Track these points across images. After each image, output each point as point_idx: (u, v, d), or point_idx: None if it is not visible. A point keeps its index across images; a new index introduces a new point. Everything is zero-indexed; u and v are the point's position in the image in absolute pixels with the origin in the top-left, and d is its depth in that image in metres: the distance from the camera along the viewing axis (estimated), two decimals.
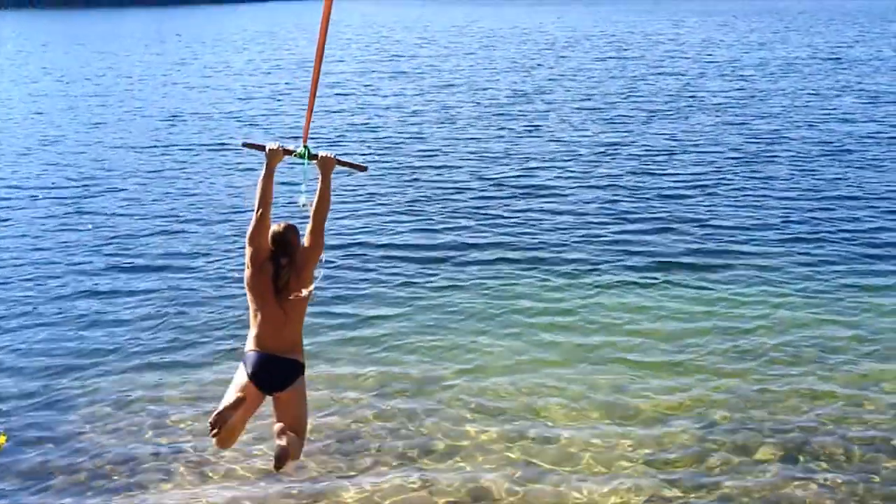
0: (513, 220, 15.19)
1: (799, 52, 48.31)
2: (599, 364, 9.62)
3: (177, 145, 22.49)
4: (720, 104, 28.33)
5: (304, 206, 5.88)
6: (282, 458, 5.28)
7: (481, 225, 14.95)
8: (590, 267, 12.74)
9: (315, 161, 5.90)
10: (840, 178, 17.76)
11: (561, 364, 9.64)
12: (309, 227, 5.86)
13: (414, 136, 23.38)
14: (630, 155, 20.47)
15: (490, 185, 17.71)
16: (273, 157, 5.85)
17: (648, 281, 12.15)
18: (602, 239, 14.06)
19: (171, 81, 37.31)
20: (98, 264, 13.19)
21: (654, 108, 27.79)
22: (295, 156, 5.90)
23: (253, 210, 5.76)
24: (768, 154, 20.25)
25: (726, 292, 11.67)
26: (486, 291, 11.82)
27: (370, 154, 20.96)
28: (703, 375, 9.31)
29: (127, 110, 28.92)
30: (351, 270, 12.84)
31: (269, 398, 5.71)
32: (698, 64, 42.18)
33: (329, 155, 5.98)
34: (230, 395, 5.55)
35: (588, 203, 16.24)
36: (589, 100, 29.88)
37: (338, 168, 6.05)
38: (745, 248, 13.53)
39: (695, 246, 13.63)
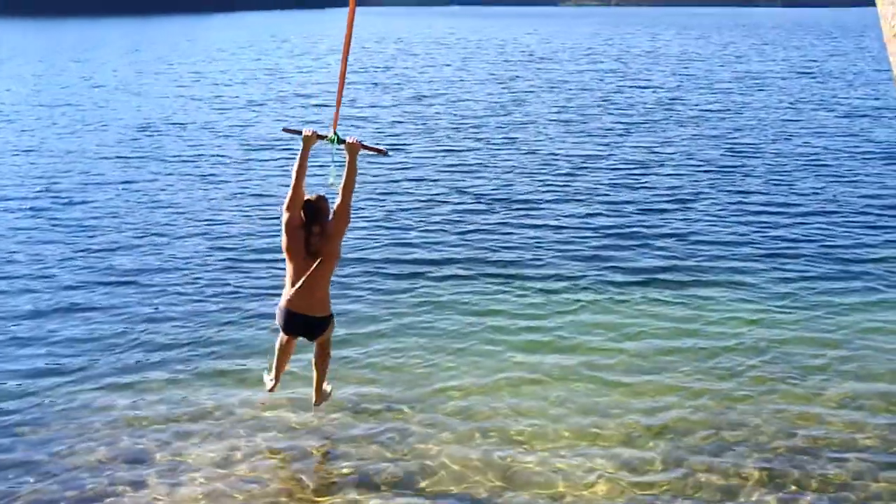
0: (490, 235, 15.01)
1: (774, 66, 48.65)
2: (577, 383, 9.42)
3: (150, 156, 22.14)
4: (697, 117, 28.39)
5: (332, 184, 6.81)
6: (321, 396, 7.55)
7: (458, 239, 14.75)
8: (567, 282, 12.57)
9: (343, 145, 6.85)
10: (817, 193, 17.74)
11: (537, 383, 9.42)
12: (338, 201, 6.77)
13: (389, 147, 23.19)
14: (607, 168, 20.39)
15: (467, 199, 17.54)
16: (308, 141, 6.86)
17: (626, 297, 11.99)
18: (579, 253, 13.90)
19: (145, 91, 36.92)
20: (70, 278, 12.85)
21: (631, 121, 27.79)
22: (326, 140, 6.91)
23: (289, 184, 6.74)
24: (745, 168, 20.24)
25: (704, 308, 11.53)
26: (462, 307, 11.61)
27: (344, 164, 20.70)
28: (681, 394, 9.13)
29: (99, 120, 28.52)
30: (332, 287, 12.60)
31: None
32: (675, 77, 42.38)
33: (355, 140, 6.86)
34: (277, 354, 7.32)
35: (565, 217, 16.10)
36: (566, 112, 29.85)
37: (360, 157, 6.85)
38: (722, 262, 13.41)
39: (672, 261, 13.51)
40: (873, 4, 4.06)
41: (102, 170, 20.42)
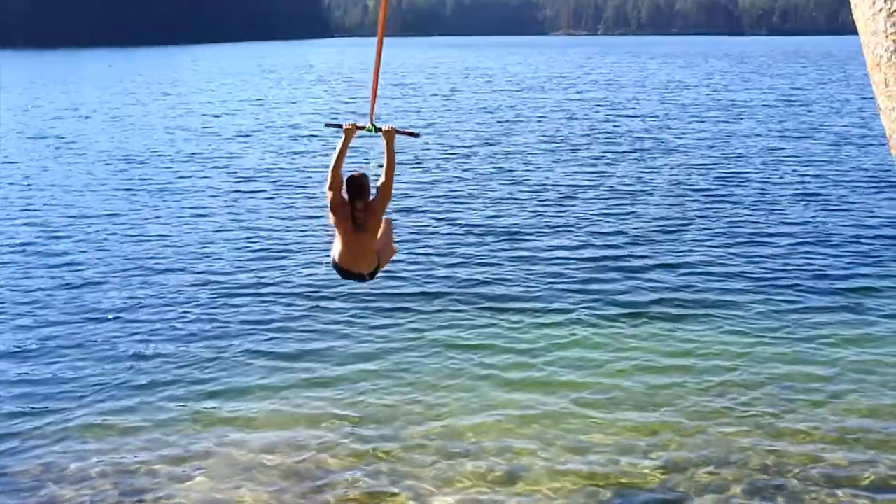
0: (479, 267, 14.87)
1: (761, 94, 48.90)
2: (568, 421, 9.27)
3: (137, 188, 21.99)
4: (685, 146, 28.40)
5: (373, 166, 6.99)
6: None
7: (447, 272, 14.61)
8: (558, 316, 12.43)
9: (380, 133, 7.40)
10: (807, 222, 17.68)
11: (527, 420, 9.28)
12: (382, 180, 7.36)
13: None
14: (596, 198, 20.31)
15: (456, 230, 17.42)
16: (349, 133, 7.47)
17: (616, 330, 11.86)
18: (569, 286, 13.77)
19: (132, 122, 36.86)
20: (55, 313, 12.65)
21: (619, 150, 27.79)
22: (365, 130, 7.49)
23: (328, 169, 7.29)
24: (734, 197, 20.19)
25: (696, 341, 11.41)
26: (451, 343, 11.45)
27: None
28: (674, 431, 9.00)
29: (85, 151, 28.40)
30: (314, 312, 12.47)
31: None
32: (663, 106, 42.53)
33: (390, 127, 7.44)
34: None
35: (555, 248, 15.99)
36: (555, 142, 29.85)
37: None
38: (713, 294, 13.30)
39: (662, 293, 13.38)
40: (857, 33, 4.04)
41: (88, 202, 20.26)
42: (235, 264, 15.07)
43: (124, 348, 11.29)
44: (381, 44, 7.22)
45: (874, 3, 3.90)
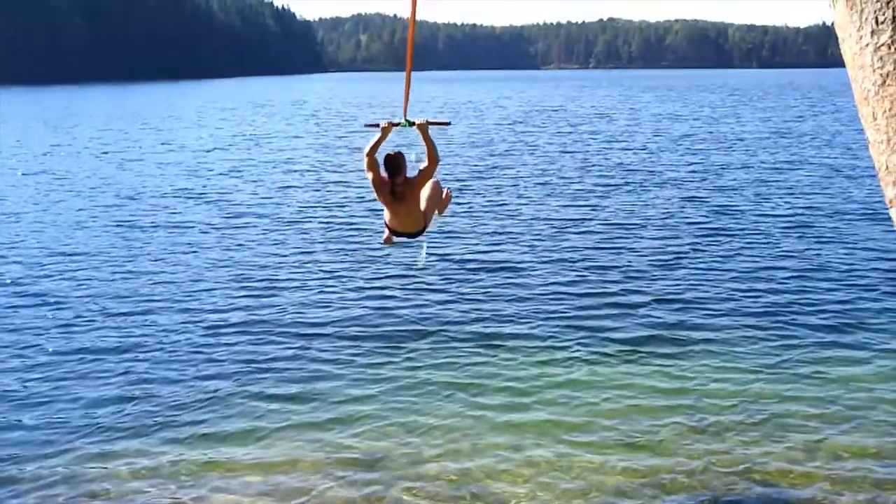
0: (472, 302, 14.80)
1: (753, 126, 49.19)
2: (562, 454, 9.17)
3: (128, 224, 21.92)
4: (678, 179, 28.48)
5: (417, 161, 8.21)
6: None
7: (440, 307, 14.53)
8: (552, 351, 12.35)
9: (415, 126, 8.10)
10: (800, 255, 17.66)
11: (521, 456, 9.17)
12: (426, 165, 8.25)
13: (374, 212, 23.09)
14: (590, 231, 20.30)
15: (448, 264, 17.37)
16: (385, 130, 8.15)
17: (611, 366, 11.77)
18: (563, 321, 13.69)
19: (123, 159, 36.84)
20: (51, 350, 12.54)
21: (611, 182, 27.85)
22: (401, 125, 8.15)
23: (364, 154, 8.13)
24: (728, 230, 20.19)
25: (691, 377, 11.32)
26: (445, 380, 11.35)
27: (326, 232, 20.58)
28: (670, 468, 8.89)
29: (77, 188, 28.34)
30: (307, 350, 12.35)
31: None
32: (655, 138, 42.71)
33: (423, 121, 8.19)
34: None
35: (548, 282, 15.92)
36: (547, 175, 29.91)
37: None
38: (707, 327, 13.24)
39: (657, 327, 13.31)
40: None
41: (78, 239, 20.17)
42: (227, 302, 14.97)
43: (112, 389, 11.16)
44: (411, 44, 7.74)
45: (861, 38, 3.93)
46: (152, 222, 22.19)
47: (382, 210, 8.63)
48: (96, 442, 9.66)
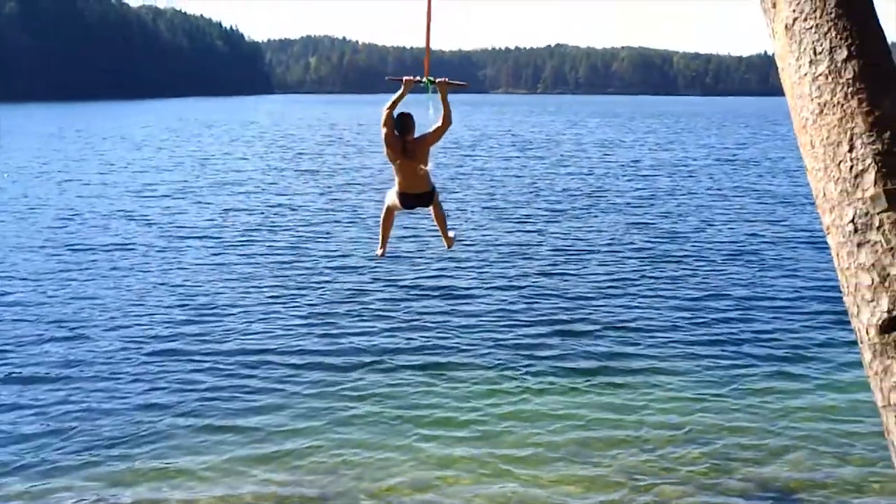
0: (418, 326, 14.71)
1: (696, 153, 49.97)
2: (503, 477, 9.11)
3: (71, 246, 21.44)
4: (624, 204, 28.76)
5: (432, 113, 8.65)
6: (450, 241, 10.18)
7: (388, 331, 14.42)
8: (496, 375, 12.31)
9: (435, 84, 8.55)
10: (745, 280, 17.89)
11: (462, 479, 9.09)
12: (439, 124, 8.74)
13: (320, 236, 22.90)
14: (537, 256, 20.35)
15: (396, 289, 17.25)
16: (407, 84, 8.69)
17: (554, 388, 11.78)
18: (511, 344, 13.67)
19: (67, 179, 36.16)
20: None
21: (558, 208, 28.01)
22: (423, 82, 8.62)
23: (384, 111, 8.72)
24: (674, 255, 20.39)
25: (636, 399, 11.37)
26: (390, 402, 11.24)
27: (274, 254, 20.34)
28: (611, 489, 8.87)
29: (19, 208, 27.70)
30: (249, 379, 12.12)
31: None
32: (601, 164, 43.14)
33: (443, 80, 8.65)
34: (382, 226, 9.95)
35: (496, 307, 15.89)
36: (494, 199, 30.00)
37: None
38: (651, 353, 13.31)
39: (603, 351, 13.36)
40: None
41: (15, 261, 19.67)
42: (168, 328, 14.67)
43: (44, 420, 10.82)
44: (430, 8, 8.45)
45: (799, 68, 3.98)
46: (92, 244, 21.73)
47: (387, 189, 9.49)
48: (23, 479, 9.32)
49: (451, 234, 10.30)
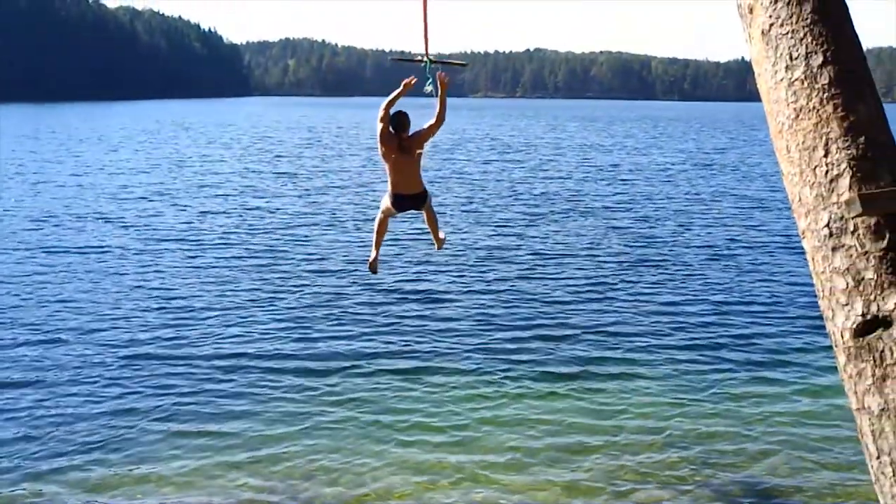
0: (396, 330, 14.66)
1: (674, 158, 50.21)
2: (480, 483, 9.08)
3: (46, 248, 21.22)
4: (602, 208, 28.83)
5: (429, 92, 8.81)
6: (440, 242, 10.16)
7: (365, 335, 14.35)
8: (474, 379, 12.28)
9: (435, 63, 8.74)
10: (723, 284, 17.96)
11: (447, 481, 9.05)
12: (432, 122, 9.03)
13: (298, 239, 22.80)
14: (515, 260, 20.36)
15: (374, 292, 17.20)
16: (406, 86, 8.89)
17: (532, 392, 11.77)
18: (489, 348, 13.65)
19: (42, 180, 35.81)
20: None
21: (537, 211, 28.04)
22: (423, 62, 8.68)
23: (382, 106, 8.88)
24: (651, 259, 20.45)
25: (614, 402, 11.38)
26: (368, 407, 11.19)
27: (251, 257, 20.23)
28: (589, 495, 8.85)
29: None
30: (226, 383, 12.03)
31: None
32: (580, 168, 43.26)
33: (444, 76, 8.93)
34: (376, 232, 9.93)
35: (474, 311, 15.88)
36: (473, 203, 29.99)
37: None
38: (629, 357, 13.33)
39: (582, 354, 13.37)
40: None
41: None
42: (143, 331, 14.55)
43: (18, 425, 10.68)
44: None
45: (776, 73, 4.01)
46: (67, 247, 21.52)
47: (382, 192, 9.63)
48: (6, 476, 9.23)
49: (441, 234, 10.36)
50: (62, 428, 10.51)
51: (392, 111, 9.05)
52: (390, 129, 8.99)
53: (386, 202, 9.53)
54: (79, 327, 14.62)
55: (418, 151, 9.18)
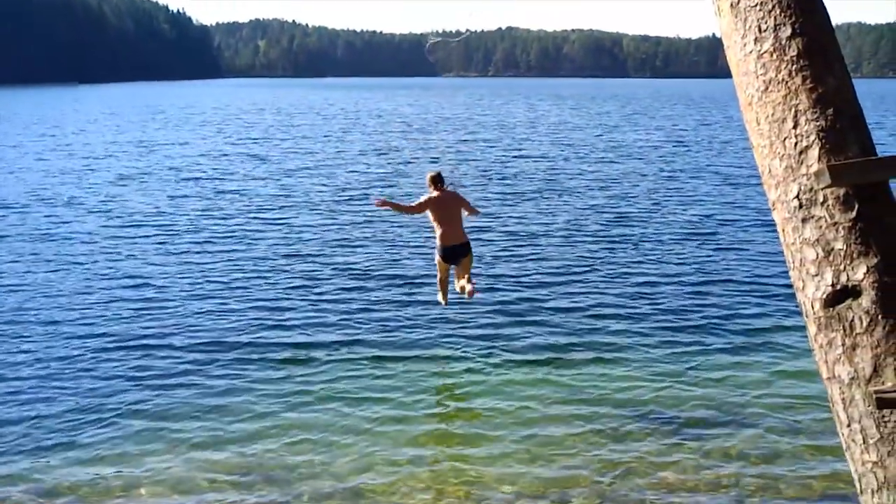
0: (372, 309, 14.62)
1: (649, 136, 50.38)
2: (461, 460, 9.08)
3: (10, 235, 20.97)
4: (577, 187, 28.87)
5: (469, 15, 9.17)
6: (471, 293, 11.10)
7: (339, 320, 14.26)
8: (456, 360, 12.26)
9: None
10: (700, 261, 18.01)
11: (428, 469, 9.03)
12: (468, 213, 11.47)
13: (271, 222, 22.67)
14: (490, 240, 20.34)
15: (351, 276, 17.12)
16: (389, 206, 11.06)
17: (512, 370, 11.76)
18: (467, 330, 13.59)
19: (6, 165, 35.35)
20: None
21: (511, 191, 28.05)
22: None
23: (410, 208, 11.35)
24: (628, 238, 20.50)
25: (596, 383, 11.35)
26: (345, 385, 11.14)
27: (220, 242, 20.09)
28: (570, 469, 8.88)
29: None
30: (201, 365, 11.94)
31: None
32: (554, 147, 43.29)
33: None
34: (440, 277, 11.88)
35: (449, 293, 15.83)
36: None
37: None
38: (607, 334, 13.35)
39: (560, 335, 13.34)
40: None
41: None
42: (116, 315, 14.41)
43: (10, 402, 10.59)
44: None
45: (745, 46, 4.01)
46: (34, 232, 21.29)
47: (433, 256, 11.64)
48: None
49: (469, 285, 11.30)
50: (27, 423, 10.31)
51: (428, 174, 11.32)
52: (431, 188, 11.03)
53: (438, 260, 11.15)
54: (46, 315, 14.44)
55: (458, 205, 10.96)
